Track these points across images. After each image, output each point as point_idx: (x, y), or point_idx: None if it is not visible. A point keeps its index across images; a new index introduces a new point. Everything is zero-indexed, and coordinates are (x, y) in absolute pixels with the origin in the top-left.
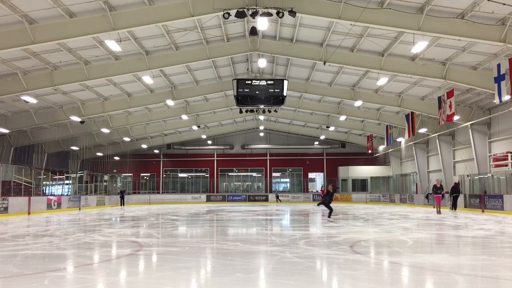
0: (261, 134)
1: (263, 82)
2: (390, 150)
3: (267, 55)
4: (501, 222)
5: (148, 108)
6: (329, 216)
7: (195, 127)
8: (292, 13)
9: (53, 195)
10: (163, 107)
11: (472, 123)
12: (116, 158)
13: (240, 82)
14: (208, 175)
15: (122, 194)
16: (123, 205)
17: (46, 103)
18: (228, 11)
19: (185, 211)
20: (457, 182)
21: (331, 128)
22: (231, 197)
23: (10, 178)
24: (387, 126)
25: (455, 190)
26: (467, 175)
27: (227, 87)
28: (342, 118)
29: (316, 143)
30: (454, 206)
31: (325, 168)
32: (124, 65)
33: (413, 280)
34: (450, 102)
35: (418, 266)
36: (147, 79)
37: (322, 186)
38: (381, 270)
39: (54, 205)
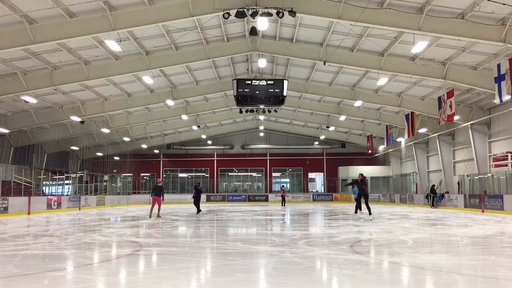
0: (261, 134)
1: (263, 82)
2: (390, 150)
3: (267, 55)
4: (501, 222)
5: (148, 108)
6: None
7: (195, 127)
8: (292, 13)
9: (53, 195)
10: (163, 107)
11: (472, 123)
12: (116, 158)
13: (240, 82)
14: (208, 175)
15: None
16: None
17: (46, 103)
18: (228, 11)
19: (185, 211)
20: (433, 184)
21: (331, 128)
22: (231, 197)
23: (10, 178)
24: (387, 126)
25: (433, 190)
26: (467, 175)
27: (227, 87)
28: (342, 118)
29: (316, 143)
30: (433, 204)
31: (325, 168)
32: (124, 65)
33: (413, 280)
34: (450, 102)
35: (418, 266)
36: (147, 79)
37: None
38: (381, 270)
39: (54, 205)
